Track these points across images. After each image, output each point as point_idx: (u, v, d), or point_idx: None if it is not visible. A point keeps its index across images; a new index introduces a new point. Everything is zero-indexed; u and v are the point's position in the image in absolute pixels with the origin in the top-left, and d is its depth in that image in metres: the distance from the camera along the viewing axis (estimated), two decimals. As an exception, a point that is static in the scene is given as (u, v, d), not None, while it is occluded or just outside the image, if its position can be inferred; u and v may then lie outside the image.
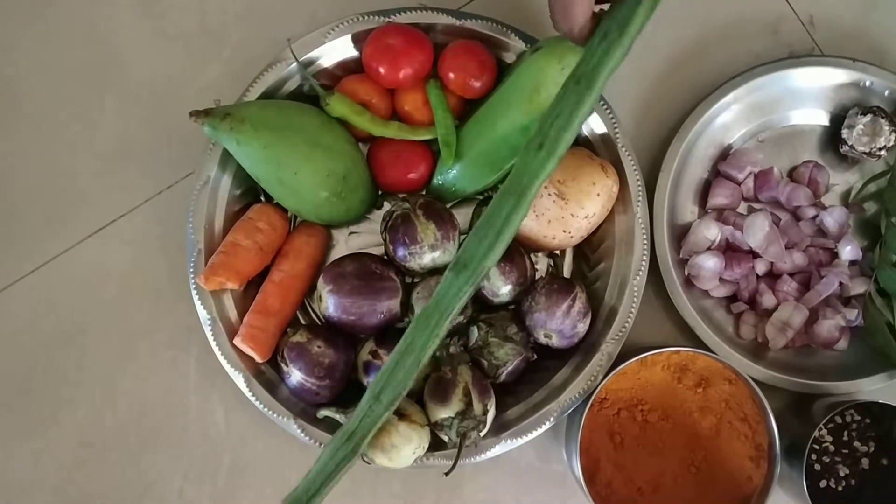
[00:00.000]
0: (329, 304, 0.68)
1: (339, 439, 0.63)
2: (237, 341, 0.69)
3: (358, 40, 0.72)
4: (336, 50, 0.72)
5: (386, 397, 0.62)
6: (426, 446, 0.66)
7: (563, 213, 0.69)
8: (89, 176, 0.78)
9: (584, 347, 0.71)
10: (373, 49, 0.69)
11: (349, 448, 0.62)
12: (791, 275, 0.75)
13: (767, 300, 0.75)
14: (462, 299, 0.61)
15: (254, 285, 0.72)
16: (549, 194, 0.69)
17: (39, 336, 0.77)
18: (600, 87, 0.58)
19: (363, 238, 0.77)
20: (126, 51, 0.80)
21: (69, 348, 0.77)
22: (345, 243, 0.77)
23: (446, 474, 0.66)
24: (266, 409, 0.69)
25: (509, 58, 0.73)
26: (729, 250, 0.76)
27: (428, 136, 0.72)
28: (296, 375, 0.68)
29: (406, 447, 0.64)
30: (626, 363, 0.69)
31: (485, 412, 0.66)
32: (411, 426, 0.65)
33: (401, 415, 0.65)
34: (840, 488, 0.72)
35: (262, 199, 0.75)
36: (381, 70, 0.69)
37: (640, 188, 0.71)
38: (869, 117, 0.75)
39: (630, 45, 0.58)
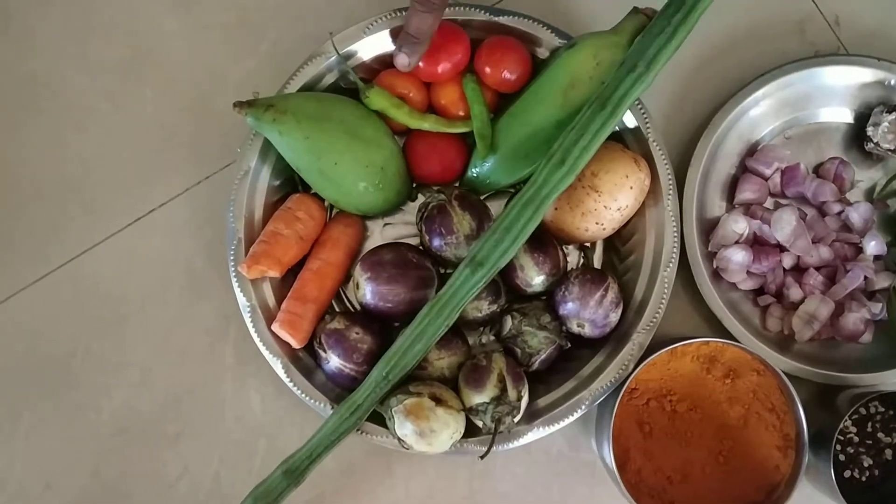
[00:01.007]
0: (366, 291, 0.70)
1: (345, 410, 0.67)
2: (275, 327, 0.71)
3: (396, 35, 0.74)
4: (374, 44, 0.74)
5: (393, 377, 0.66)
6: (462, 431, 0.68)
7: (596, 206, 0.70)
8: (129, 166, 0.80)
9: (616, 337, 0.73)
10: (412, 43, 0.71)
11: (353, 420, 0.67)
12: (817, 268, 0.77)
13: (794, 293, 0.76)
14: (474, 294, 0.66)
15: (290, 273, 0.74)
16: (583, 187, 0.70)
17: (79, 324, 0.78)
18: (623, 114, 0.65)
19: (397, 229, 0.78)
20: (166, 44, 0.81)
21: (108, 335, 0.78)
22: (379, 234, 0.78)
23: (482, 457, 0.67)
24: (303, 395, 0.71)
25: (542, 53, 0.75)
26: (756, 244, 0.77)
27: (464, 129, 0.74)
28: (334, 361, 0.70)
29: (444, 432, 0.66)
30: (656, 353, 0.70)
31: (519, 398, 0.68)
32: (448, 411, 0.66)
33: (438, 400, 0.66)
34: (864, 478, 0.73)
35: (300, 189, 0.76)
36: (421, 64, 0.71)
37: (670, 182, 0.73)
38: (894, 115, 0.76)
39: (654, 78, 0.62)
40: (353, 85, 0.73)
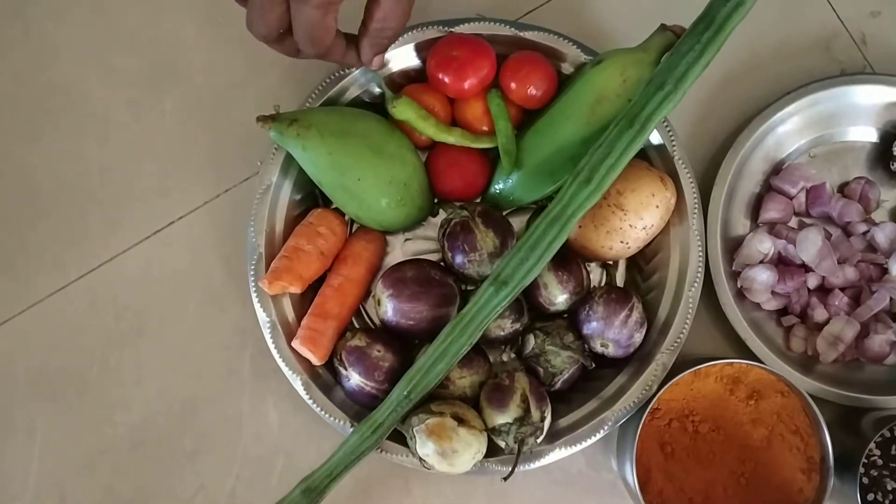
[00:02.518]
0: (388, 308, 0.69)
1: (366, 429, 0.66)
2: (296, 343, 0.70)
3: (420, 49, 0.73)
4: (398, 59, 0.73)
5: (415, 396, 0.66)
6: (484, 451, 0.67)
7: (621, 224, 0.69)
8: (149, 178, 0.79)
9: (639, 357, 0.72)
10: (439, 59, 0.70)
11: (374, 438, 0.66)
12: (842, 289, 0.76)
13: (819, 314, 0.75)
14: (498, 313, 0.65)
15: (310, 289, 0.73)
16: (609, 205, 0.69)
17: (96, 336, 0.78)
18: (650, 132, 0.64)
19: (417, 244, 0.78)
20: (187, 55, 0.81)
21: (125, 349, 0.77)
22: (400, 249, 0.78)
23: (505, 479, 0.67)
24: (323, 412, 0.70)
25: (568, 69, 0.74)
26: (781, 264, 0.76)
27: (489, 145, 0.73)
28: (354, 378, 0.69)
29: (467, 452, 0.65)
30: (681, 374, 0.70)
31: (542, 419, 0.67)
32: (471, 432, 0.65)
33: (460, 420, 0.66)
34: (887, 502, 0.72)
35: (321, 204, 0.76)
36: (447, 80, 0.70)
37: (696, 200, 0.72)
38: (920, 135, 0.76)
39: (682, 97, 0.62)
40: (377, 99, 0.72)
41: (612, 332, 0.69)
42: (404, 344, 0.71)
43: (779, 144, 0.78)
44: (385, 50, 0.66)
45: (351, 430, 0.69)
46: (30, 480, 0.76)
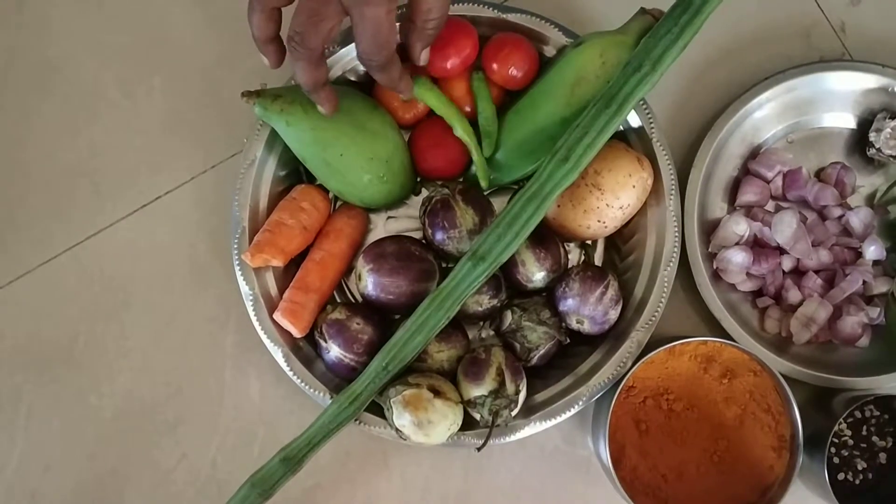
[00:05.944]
0: (368, 282, 0.70)
1: (344, 400, 0.68)
2: (277, 316, 0.71)
3: (403, 30, 0.74)
4: (382, 38, 0.74)
5: (393, 368, 0.67)
6: (460, 423, 0.68)
7: (598, 204, 0.71)
8: (136, 153, 0.81)
9: (614, 335, 0.73)
10: (421, 38, 0.71)
11: (352, 409, 0.67)
12: (816, 272, 0.77)
13: (793, 296, 0.76)
14: (475, 288, 0.66)
15: (293, 263, 0.74)
16: (586, 184, 0.70)
17: (82, 308, 0.79)
18: (627, 113, 0.66)
19: (400, 222, 0.79)
20: (176, 33, 0.82)
21: (111, 320, 0.79)
22: (383, 227, 0.79)
23: (479, 449, 0.68)
24: (303, 384, 0.71)
25: (549, 52, 0.75)
26: (757, 246, 0.78)
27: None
28: (334, 351, 0.70)
29: (442, 423, 0.66)
30: (654, 352, 0.71)
31: (517, 392, 0.68)
32: (447, 403, 0.67)
33: (436, 392, 0.67)
34: (857, 482, 0.74)
35: (305, 180, 0.77)
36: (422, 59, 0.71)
37: (673, 182, 0.73)
38: (896, 121, 0.77)
39: (659, 78, 0.63)
40: (361, 77, 0.73)
41: (588, 308, 0.71)
42: (384, 318, 0.73)
43: (756, 129, 0.79)
44: (432, 41, 0.65)
45: (330, 401, 0.70)
46: (15, 449, 0.78)
